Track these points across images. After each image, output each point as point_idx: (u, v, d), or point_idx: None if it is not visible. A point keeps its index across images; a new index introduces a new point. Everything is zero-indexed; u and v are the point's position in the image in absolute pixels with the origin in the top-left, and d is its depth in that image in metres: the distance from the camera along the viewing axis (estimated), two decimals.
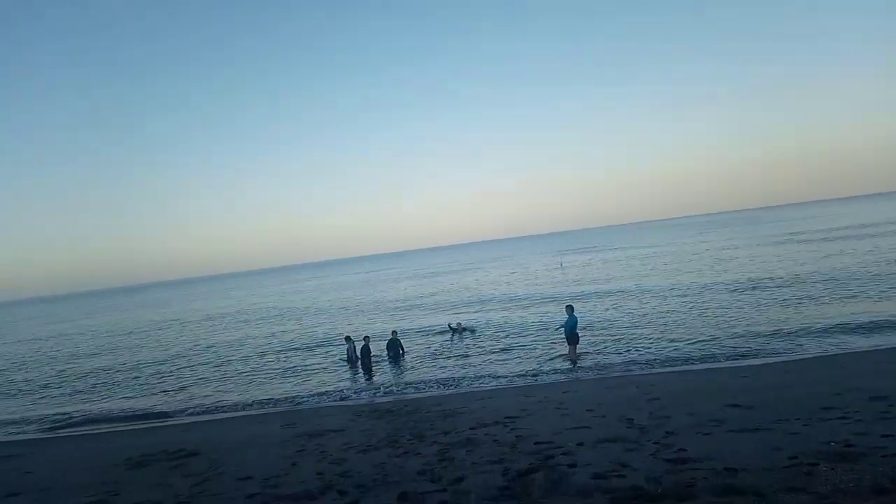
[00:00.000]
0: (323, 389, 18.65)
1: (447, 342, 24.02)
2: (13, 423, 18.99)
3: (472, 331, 25.58)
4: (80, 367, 29.89)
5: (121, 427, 16.78)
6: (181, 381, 22.73)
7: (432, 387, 17.21)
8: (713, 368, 15.60)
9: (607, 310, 27.47)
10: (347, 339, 22.69)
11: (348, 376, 20.21)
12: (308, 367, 22.42)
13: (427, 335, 26.14)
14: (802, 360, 15.38)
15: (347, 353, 22.03)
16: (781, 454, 7.07)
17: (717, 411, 9.62)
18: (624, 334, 21.31)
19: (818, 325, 19.12)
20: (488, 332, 25.09)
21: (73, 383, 25.10)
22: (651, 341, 19.71)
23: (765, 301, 24.74)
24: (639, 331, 21.67)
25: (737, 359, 16.41)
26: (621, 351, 18.82)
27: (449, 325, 26.44)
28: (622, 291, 33.65)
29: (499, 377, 17.42)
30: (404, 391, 17.08)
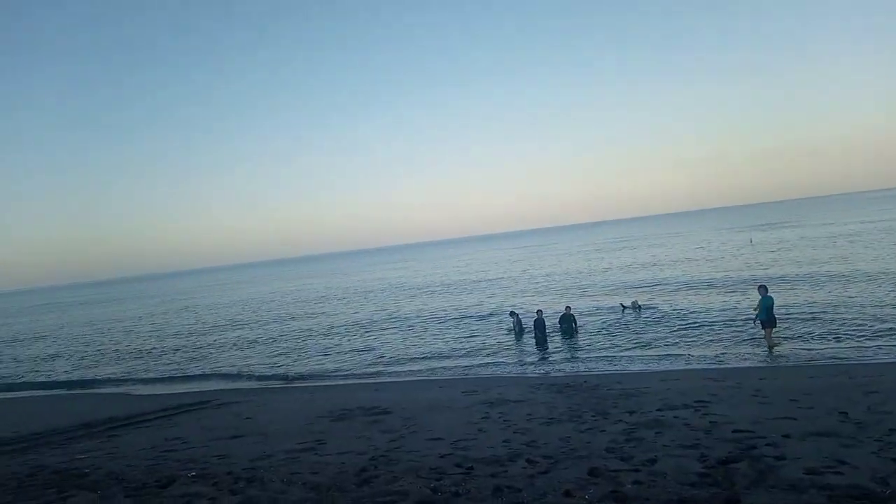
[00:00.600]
0: (498, 360, 19.11)
1: (622, 319, 23.28)
2: (232, 376, 21.84)
3: (649, 309, 24.53)
4: (282, 328, 33.51)
5: (322, 383, 18.60)
6: (368, 345, 24.58)
7: (609, 364, 16.88)
8: None
9: (808, 293, 24.85)
10: (512, 313, 23.01)
11: (521, 349, 20.46)
12: (483, 338, 23.06)
13: (601, 312, 25.53)
14: None
15: (514, 327, 22.35)
16: None
17: None
18: (830, 319, 19.19)
19: None
20: (669, 312, 23.91)
21: (276, 344, 28.20)
22: (863, 328, 17.55)
23: None
24: (847, 317, 19.38)
25: None
26: (827, 337, 17.01)
27: (622, 305, 25.55)
28: (826, 274, 30.10)
29: (682, 359, 16.61)
30: (581, 367, 16.93)
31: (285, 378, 20.26)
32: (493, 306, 31.48)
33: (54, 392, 22.70)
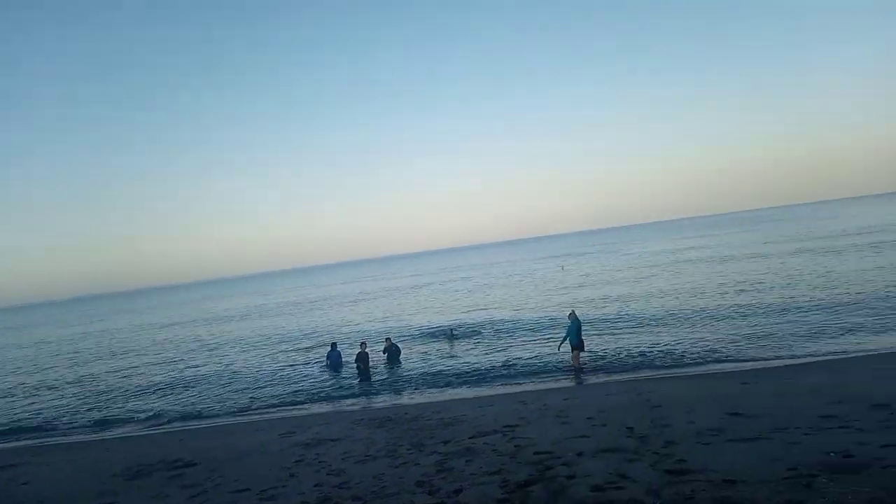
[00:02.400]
0: (321, 395, 18.64)
1: (443, 349, 23.91)
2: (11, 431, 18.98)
3: (467, 337, 25.52)
4: (69, 375, 29.91)
5: (119, 434, 16.77)
6: (178, 385, 22.74)
7: (430, 393, 17.19)
8: (715, 373, 15.57)
9: (608, 313, 27.40)
10: (333, 345, 22.80)
11: (344, 382, 20.15)
12: (305, 372, 22.41)
13: (424, 341, 26.07)
14: (804, 364, 15.34)
15: (330, 359, 22.11)
16: (780, 465, 7.02)
17: (718, 419, 9.57)
18: (625, 339, 21.26)
19: (820, 328, 19.09)
20: (487, 337, 25.04)
21: (69, 388, 25.08)
22: (653, 346, 19.63)
23: (766, 304, 24.64)
24: (640, 335, 21.62)
25: (738, 363, 16.39)
26: (622, 356, 18.77)
27: (451, 331, 26.41)
28: (623, 295, 33.58)
29: (498, 384, 17.39)
30: (403, 399, 17.04)
31: (75, 428, 18.00)
32: (316, 338, 30.76)
33: None
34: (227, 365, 26.36)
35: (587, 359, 18.51)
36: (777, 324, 20.69)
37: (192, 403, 19.75)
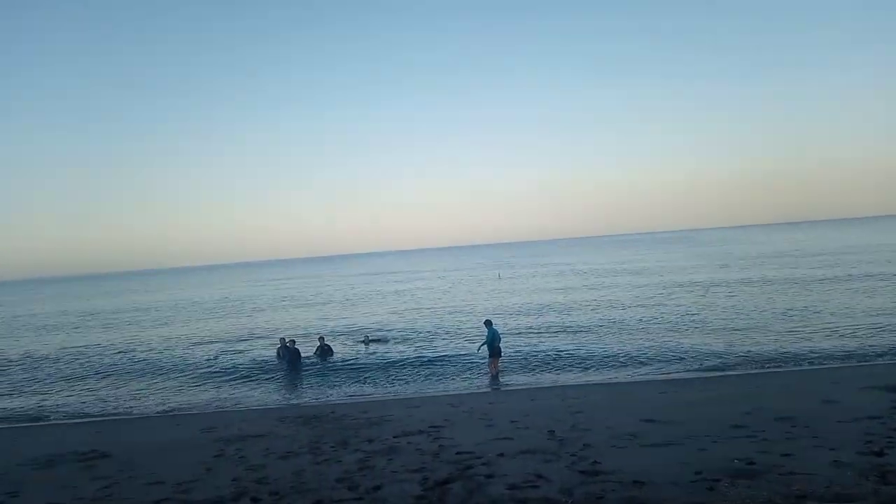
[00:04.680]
0: (249, 392, 18.26)
1: (376, 350, 23.74)
2: None
3: (385, 341, 25.39)
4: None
5: (29, 424, 15.95)
6: (101, 377, 21.80)
7: (359, 393, 17.12)
8: (635, 382, 16.15)
9: (536, 321, 27.95)
10: (281, 340, 22.33)
11: (277, 379, 19.80)
12: (236, 368, 21.87)
13: (355, 342, 25.86)
14: (721, 377, 16.11)
15: (278, 354, 21.67)
16: (688, 469, 7.38)
17: (634, 425, 9.95)
18: (552, 345, 21.73)
19: (734, 344, 20.04)
20: (419, 340, 25.07)
21: None
22: (578, 353, 20.16)
23: (685, 318, 25.69)
24: (567, 342, 22.16)
25: (658, 373, 17.04)
26: (549, 362, 19.20)
27: (366, 336, 26.10)
28: (554, 304, 34.34)
29: (427, 386, 17.49)
30: (331, 397, 16.91)
31: None
32: (253, 333, 30.10)
33: None
34: (149, 358, 25.44)
35: (505, 367, 18.73)
36: (694, 337, 21.61)
37: (110, 396, 18.98)
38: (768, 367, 16.92)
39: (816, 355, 17.85)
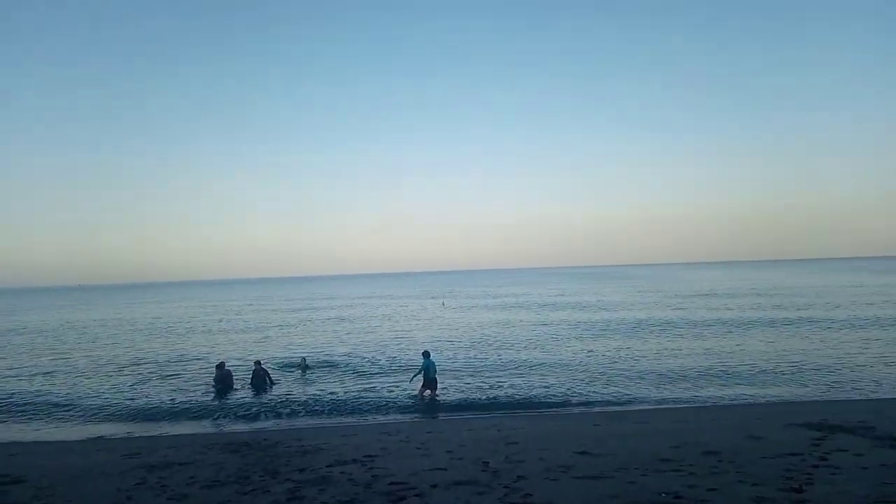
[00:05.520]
0: (176, 417, 17.56)
1: (311, 378, 23.19)
2: None
3: (323, 367, 24.86)
4: None
5: None
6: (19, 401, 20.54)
7: (293, 421, 16.72)
8: (570, 414, 16.36)
9: (476, 352, 28.06)
10: (219, 366, 21.59)
11: (209, 404, 19.12)
12: (165, 391, 21.02)
13: (291, 367, 25.26)
14: (654, 409, 16.53)
15: (214, 380, 20.96)
16: (617, 502, 7.48)
17: (567, 457, 10.05)
18: (491, 377, 21.82)
19: (668, 378, 20.61)
20: (357, 368, 24.69)
21: None
22: (518, 385, 20.29)
23: (623, 352, 26.31)
24: (506, 375, 22.28)
25: (593, 406, 17.33)
26: (487, 393, 19.23)
27: (303, 360, 25.47)
28: (495, 335, 34.57)
29: (365, 414, 17.22)
30: (264, 423, 16.43)
31: None
32: (186, 357, 29.02)
33: None
34: (71, 381, 24.17)
35: (444, 395, 18.72)
36: (630, 371, 22.11)
37: (29, 418, 17.91)
38: (697, 402, 17.45)
39: (742, 392, 18.56)
